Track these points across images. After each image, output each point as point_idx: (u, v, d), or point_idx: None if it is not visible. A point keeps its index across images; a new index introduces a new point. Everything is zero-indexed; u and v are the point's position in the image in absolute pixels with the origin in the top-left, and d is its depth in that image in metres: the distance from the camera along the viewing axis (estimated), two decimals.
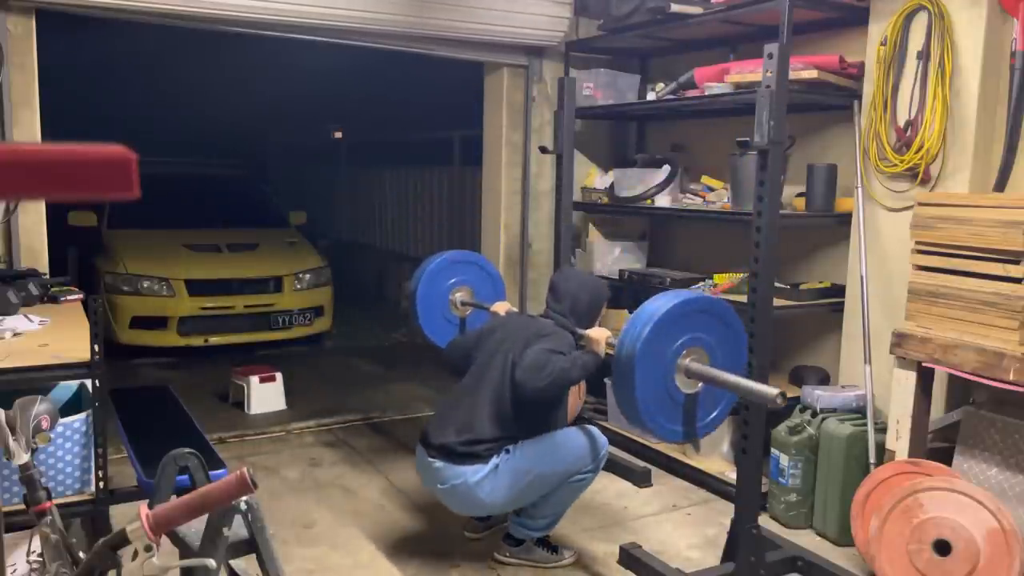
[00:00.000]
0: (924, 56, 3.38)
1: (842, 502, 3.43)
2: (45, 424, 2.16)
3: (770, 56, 2.97)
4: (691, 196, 4.52)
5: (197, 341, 6.19)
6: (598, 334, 2.95)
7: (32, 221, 4.07)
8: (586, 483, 3.19)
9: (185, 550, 1.90)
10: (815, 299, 3.90)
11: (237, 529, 1.79)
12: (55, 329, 3.19)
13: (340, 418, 5.13)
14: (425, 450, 3.12)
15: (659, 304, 2.53)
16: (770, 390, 2.36)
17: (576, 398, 4.66)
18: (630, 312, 4.72)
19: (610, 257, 4.77)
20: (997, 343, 2.87)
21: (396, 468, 4.35)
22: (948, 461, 3.19)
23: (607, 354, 2.84)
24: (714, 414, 2.66)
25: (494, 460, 2.99)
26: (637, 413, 2.50)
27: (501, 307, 3.66)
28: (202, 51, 7.46)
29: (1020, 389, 2.83)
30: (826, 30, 4.00)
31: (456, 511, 3.27)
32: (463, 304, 3.91)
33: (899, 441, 3.23)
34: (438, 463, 3.04)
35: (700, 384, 2.57)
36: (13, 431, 2.06)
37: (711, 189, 4.48)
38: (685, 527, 3.69)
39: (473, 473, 2.98)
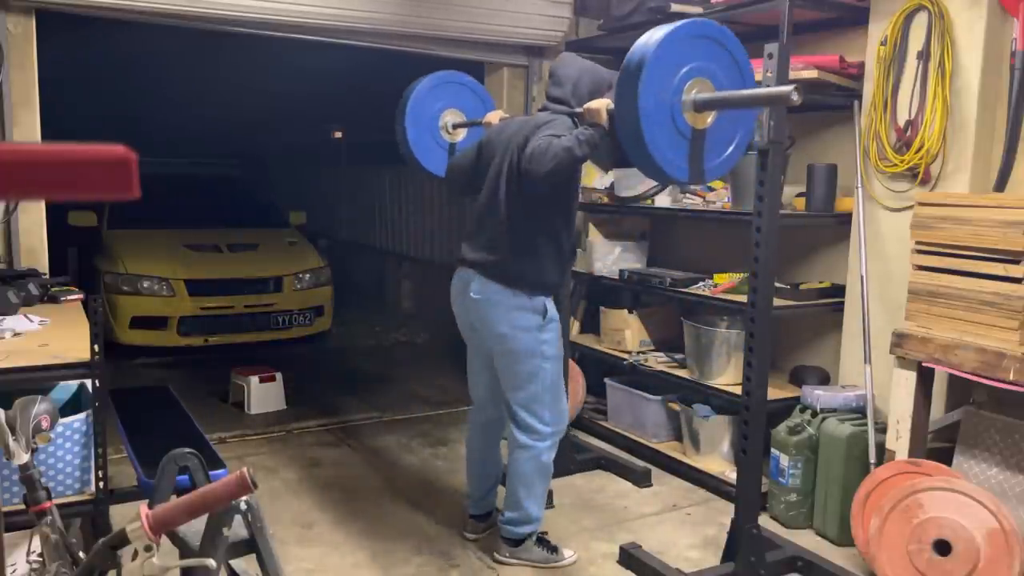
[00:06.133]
0: (924, 56, 3.38)
1: (842, 502, 3.43)
2: (45, 424, 2.16)
3: (770, 56, 2.96)
4: (691, 196, 4.51)
5: (197, 341, 6.19)
6: (598, 104, 2.81)
7: (32, 221, 4.07)
8: (538, 453, 3.19)
9: (185, 550, 1.90)
10: (815, 299, 3.90)
11: (237, 529, 1.79)
12: (55, 329, 3.19)
13: (340, 418, 5.13)
14: (461, 266, 3.21)
15: (656, 34, 2.32)
16: (783, 88, 2.20)
17: (575, 399, 4.67)
18: (630, 312, 4.77)
19: (610, 257, 4.77)
20: (997, 343, 2.88)
21: (396, 468, 4.35)
22: (948, 461, 3.19)
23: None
24: (724, 155, 2.51)
25: (529, 301, 3.07)
26: (645, 149, 2.31)
27: (494, 116, 3.45)
28: (202, 51, 7.44)
29: (1020, 389, 2.83)
30: (826, 30, 4.00)
31: (464, 333, 3.33)
32: (455, 127, 3.69)
33: (899, 441, 3.23)
34: (475, 276, 3.13)
35: (709, 119, 2.40)
36: (13, 431, 2.06)
37: (711, 189, 4.47)
38: (685, 527, 3.69)
39: (504, 295, 3.06)
